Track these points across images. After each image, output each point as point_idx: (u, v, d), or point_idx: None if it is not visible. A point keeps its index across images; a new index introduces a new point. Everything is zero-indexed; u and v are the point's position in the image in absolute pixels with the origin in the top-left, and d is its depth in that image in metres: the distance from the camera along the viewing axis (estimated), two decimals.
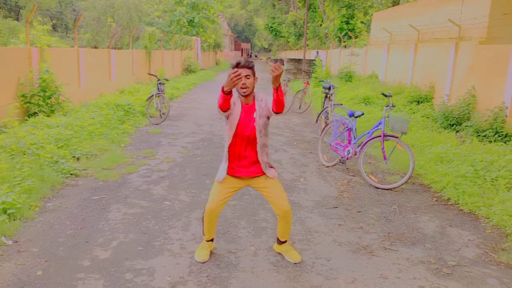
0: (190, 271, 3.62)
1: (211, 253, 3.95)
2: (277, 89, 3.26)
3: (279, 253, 4.00)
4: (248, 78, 3.43)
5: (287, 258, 3.89)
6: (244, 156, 3.66)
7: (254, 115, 3.57)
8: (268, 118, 3.65)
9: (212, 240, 3.95)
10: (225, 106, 3.42)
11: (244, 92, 3.47)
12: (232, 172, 3.71)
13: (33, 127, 7.61)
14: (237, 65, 3.42)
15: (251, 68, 3.44)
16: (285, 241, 3.95)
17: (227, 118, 3.61)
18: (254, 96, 3.61)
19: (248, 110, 3.59)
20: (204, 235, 3.91)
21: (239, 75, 3.10)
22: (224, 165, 3.72)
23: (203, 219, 3.83)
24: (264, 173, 3.72)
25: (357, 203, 5.48)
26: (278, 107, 3.40)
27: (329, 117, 9.24)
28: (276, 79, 3.17)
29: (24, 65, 8.96)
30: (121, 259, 3.79)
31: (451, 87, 10.99)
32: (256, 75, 3.59)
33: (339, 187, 6.13)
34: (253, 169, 3.71)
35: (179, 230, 4.43)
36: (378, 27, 20.03)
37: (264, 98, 3.63)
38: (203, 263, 3.77)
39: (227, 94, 3.28)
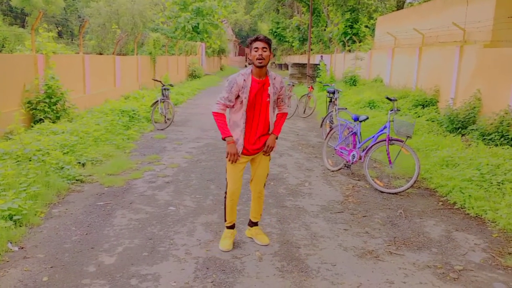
0: (195, 276, 3.62)
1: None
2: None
3: (250, 237, 4.30)
4: (265, 51, 3.73)
5: (257, 241, 4.21)
6: (254, 133, 3.92)
7: (269, 91, 3.84)
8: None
9: (233, 227, 4.21)
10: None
11: (260, 63, 3.74)
12: (245, 152, 3.96)
13: (39, 134, 7.65)
14: (256, 39, 3.75)
15: (267, 42, 3.75)
16: (256, 224, 4.27)
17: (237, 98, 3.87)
18: (267, 72, 3.87)
19: (261, 84, 3.82)
20: (226, 221, 4.18)
21: (236, 160, 3.80)
22: (240, 143, 3.91)
23: (225, 204, 4.12)
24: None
25: (363, 207, 5.46)
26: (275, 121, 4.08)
27: (334, 121, 9.23)
28: (274, 144, 3.99)
29: (30, 72, 9.03)
30: (127, 264, 3.79)
31: (456, 91, 10.95)
32: None
33: (344, 191, 6.11)
34: (258, 145, 3.98)
35: (184, 236, 4.43)
36: (382, 31, 20.01)
37: (279, 80, 3.94)
38: (227, 251, 4.01)
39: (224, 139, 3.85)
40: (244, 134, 3.88)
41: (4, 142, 6.90)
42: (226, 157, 3.87)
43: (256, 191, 4.17)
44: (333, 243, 4.36)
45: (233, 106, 3.86)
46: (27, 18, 42.71)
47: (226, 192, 4.10)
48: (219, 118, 3.83)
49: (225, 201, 4.13)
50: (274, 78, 3.89)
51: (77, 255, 3.94)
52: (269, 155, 4.06)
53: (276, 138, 4.01)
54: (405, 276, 3.72)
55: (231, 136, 3.82)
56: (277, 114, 4.06)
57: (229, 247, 4.08)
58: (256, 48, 3.71)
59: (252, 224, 4.33)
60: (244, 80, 3.76)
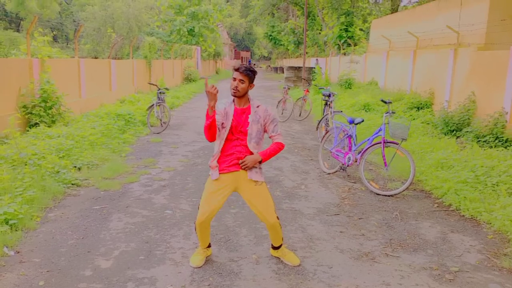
0: (192, 279, 3.62)
1: (210, 259, 3.95)
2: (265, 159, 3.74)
3: (277, 257, 4.04)
4: (242, 83, 3.64)
5: (286, 261, 3.95)
6: (230, 159, 3.73)
7: (249, 119, 3.71)
8: (265, 131, 3.83)
9: (209, 246, 4.01)
10: (212, 138, 3.64)
11: (234, 93, 3.67)
12: (222, 170, 3.74)
13: (34, 138, 7.63)
14: (237, 69, 3.66)
15: (247, 74, 3.63)
16: (280, 246, 4.00)
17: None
18: (249, 100, 3.78)
19: (241, 112, 3.73)
20: (199, 243, 3.96)
21: (214, 88, 3.36)
22: (214, 169, 3.76)
23: (195, 229, 3.84)
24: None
25: (359, 210, 5.48)
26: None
27: (329, 124, 9.26)
28: (253, 164, 3.69)
29: (25, 76, 9.01)
30: (123, 268, 3.79)
31: (451, 93, 11.02)
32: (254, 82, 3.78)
33: (340, 194, 6.13)
34: (235, 163, 3.74)
35: (180, 239, 4.43)
36: (377, 34, 20.12)
37: (263, 109, 3.79)
38: (197, 268, 3.80)
39: (212, 114, 3.47)
40: (219, 157, 3.73)
41: (0, 146, 6.87)
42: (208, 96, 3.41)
43: (266, 223, 3.79)
44: (329, 246, 4.38)
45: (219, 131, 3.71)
46: (22, 23, 42.62)
47: (195, 222, 3.80)
48: (204, 126, 3.62)
49: (194, 227, 3.86)
50: (257, 107, 3.76)
51: (73, 259, 3.94)
52: (245, 169, 3.69)
53: (260, 162, 3.71)
54: (401, 278, 3.74)
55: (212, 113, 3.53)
56: (274, 142, 3.82)
57: (200, 263, 3.84)
58: (234, 78, 3.63)
59: (275, 248, 4.01)
60: (225, 108, 3.69)
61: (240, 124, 3.70)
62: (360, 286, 3.59)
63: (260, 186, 3.76)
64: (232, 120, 3.68)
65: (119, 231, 4.59)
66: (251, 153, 3.73)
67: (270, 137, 3.83)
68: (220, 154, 3.76)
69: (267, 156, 3.74)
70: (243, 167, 3.67)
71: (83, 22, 32.76)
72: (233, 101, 3.77)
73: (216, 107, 3.61)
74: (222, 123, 3.69)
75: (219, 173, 3.73)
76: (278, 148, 3.81)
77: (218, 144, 3.75)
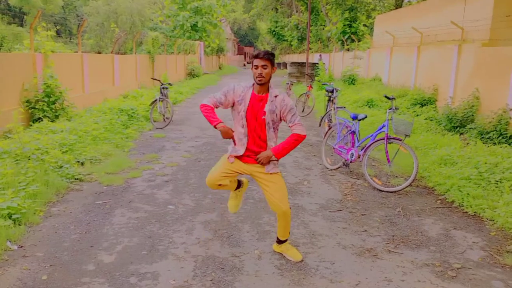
0: (194, 275, 3.63)
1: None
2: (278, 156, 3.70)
3: (279, 253, 4.04)
4: (265, 68, 3.60)
5: (288, 257, 3.96)
6: (252, 144, 3.75)
7: (265, 108, 3.67)
8: (281, 120, 3.78)
9: (239, 186, 4.15)
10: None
11: (260, 81, 3.61)
12: (239, 156, 3.80)
13: (38, 133, 7.65)
14: (256, 56, 3.61)
15: (268, 59, 3.60)
16: (285, 240, 4.01)
17: (232, 106, 3.75)
18: (269, 88, 3.72)
19: (259, 99, 3.69)
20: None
21: (230, 137, 3.57)
22: (240, 147, 3.77)
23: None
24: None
25: (361, 206, 5.48)
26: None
27: (333, 120, 9.24)
28: (268, 160, 3.70)
29: (28, 70, 9.02)
30: (126, 263, 3.80)
31: (455, 89, 10.98)
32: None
33: (343, 190, 6.12)
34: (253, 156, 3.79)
35: (183, 234, 4.44)
36: (381, 30, 20.04)
37: (280, 98, 3.71)
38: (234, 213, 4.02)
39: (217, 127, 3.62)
40: (248, 141, 3.73)
41: (3, 141, 6.90)
42: (223, 137, 3.63)
43: (278, 212, 3.80)
44: (332, 242, 4.38)
45: (232, 106, 3.76)
46: (26, 17, 42.65)
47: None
48: (206, 108, 3.66)
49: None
50: (275, 97, 3.69)
51: (76, 253, 3.95)
52: (262, 164, 3.73)
53: (276, 160, 3.74)
54: (403, 274, 3.74)
55: (221, 121, 3.63)
56: (291, 134, 3.75)
57: (236, 209, 4.21)
58: (256, 66, 3.59)
59: (280, 241, 4.04)
60: (243, 91, 3.68)
61: (255, 111, 3.67)
62: (362, 282, 3.59)
63: (276, 174, 3.80)
64: (248, 105, 3.66)
65: (122, 226, 4.61)
66: (265, 144, 3.77)
67: (289, 127, 3.76)
68: (249, 138, 3.76)
69: (280, 151, 3.68)
70: (259, 163, 3.72)
71: (87, 17, 32.75)
72: (252, 85, 3.73)
73: (233, 87, 3.70)
74: (235, 106, 3.70)
75: (236, 159, 3.81)
76: (294, 140, 3.69)
77: (242, 132, 3.74)
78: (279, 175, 3.83)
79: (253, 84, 3.72)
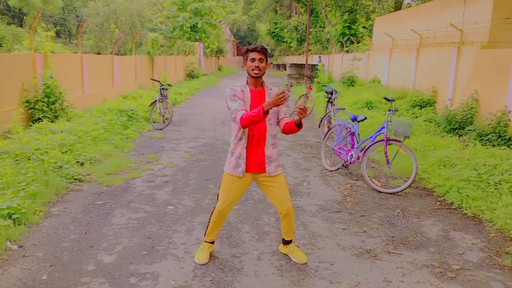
0: (194, 275, 3.64)
1: (212, 255, 3.97)
2: (298, 125, 3.56)
3: (285, 254, 4.05)
4: (262, 62, 3.63)
5: (293, 259, 3.96)
6: (256, 147, 3.70)
7: (266, 101, 3.62)
8: (277, 115, 3.79)
9: (213, 242, 4.01)
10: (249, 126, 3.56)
11: (256, 74, 3.62)
12: (247, 168, 3.73)
13: (37, 133, 7.65)
14: (253, 49, 3.63)
15: (264, 53, 3.65)
16: (291, 241, 4.02)
17: None
18: (263, 82, 3.75)
19: (258, 94, 3.71)
20: (205, 236, 3.98)
21: (284, 96, 3.30)
22: (241, 162, 3.69)
23: (209, 219, 3.93)
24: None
25: (361, 207, 5.48)
26: (287, 131, 3.68)
27: (332, 121, 9.25)
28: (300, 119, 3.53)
29: (28, 71, 9.02)
30: (126, 263, 3.80)
31: (454, 91, 10.99)
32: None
33: (342, 191, 6.13)
34: (261, 163, 3.74)
35: (183, 235, 4.45)
36: (380, 32, 20.06)
37: (275, 91, 3.64)
38: (202, 265, 3.81)
39: (266, 113, 3.39)
40: (246, 147, 3.68)
41: (3, 141, 6.90)
42: (278, 102, 3.31)
43: (282, 211, 3.84)
44: (331, 243, 4.38)
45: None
46: (25, 18, 42.64)
47: (214, 208, 3.88)
48: (244, 115, 3.44)
49: (210, 216, 3.94)
50: (271, 89, 3.76)
51: (76, 253, 3.95)
52: (282, 100, 3.34)
53: (298, 126, 3.57)
54: (402, 275, 3.74)
55: (261, 105, 3.43)
56: (286, 123, 3.70)
57: (205, 260, 3.86)
58: (253, 58, 3.59)
59: (286, 242, 4.06)
60: (242, 90, 3.66)
61: (258, 106, 3.64)
62: (361, 283, 3.59)
63: (278, 175, 3.82)
64: (251, 101, 3.67)
65: (121, 226, 4.61)
66: (265, 154, 3.71)
67: (278, 121, 3.75)
68: (247, 144, 3.69)
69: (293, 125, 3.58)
70: (280, 98, 3.35)
71: (86, 17, 32.74)
72: (247, 83, 3.72)
73: (234, 88, 3.66)
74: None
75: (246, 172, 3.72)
76: (293, 127, 3.63)
77: (242, 132, 3.66)
78: (281, 175, 3.85)
79: (247, 81, 3.72)
